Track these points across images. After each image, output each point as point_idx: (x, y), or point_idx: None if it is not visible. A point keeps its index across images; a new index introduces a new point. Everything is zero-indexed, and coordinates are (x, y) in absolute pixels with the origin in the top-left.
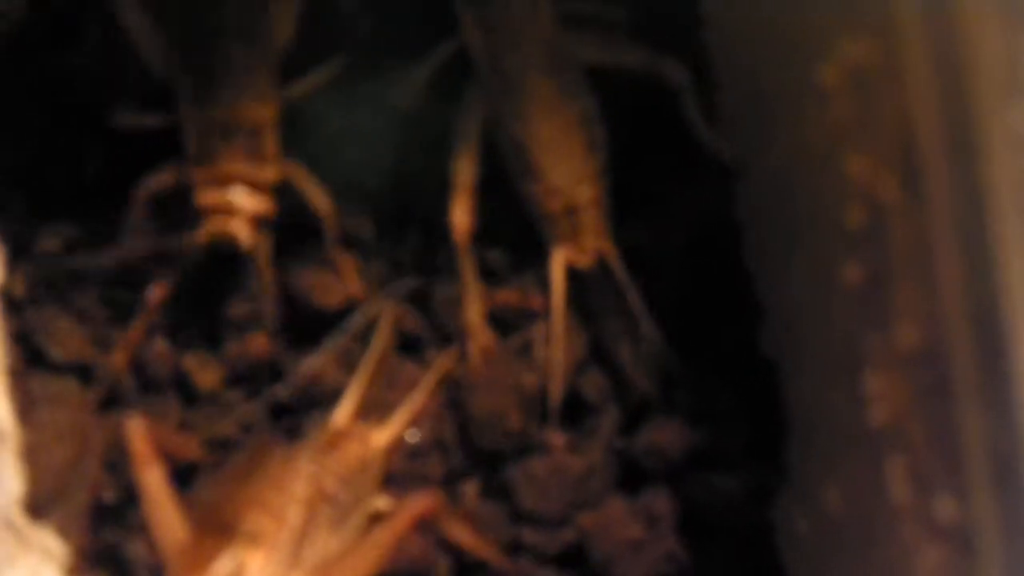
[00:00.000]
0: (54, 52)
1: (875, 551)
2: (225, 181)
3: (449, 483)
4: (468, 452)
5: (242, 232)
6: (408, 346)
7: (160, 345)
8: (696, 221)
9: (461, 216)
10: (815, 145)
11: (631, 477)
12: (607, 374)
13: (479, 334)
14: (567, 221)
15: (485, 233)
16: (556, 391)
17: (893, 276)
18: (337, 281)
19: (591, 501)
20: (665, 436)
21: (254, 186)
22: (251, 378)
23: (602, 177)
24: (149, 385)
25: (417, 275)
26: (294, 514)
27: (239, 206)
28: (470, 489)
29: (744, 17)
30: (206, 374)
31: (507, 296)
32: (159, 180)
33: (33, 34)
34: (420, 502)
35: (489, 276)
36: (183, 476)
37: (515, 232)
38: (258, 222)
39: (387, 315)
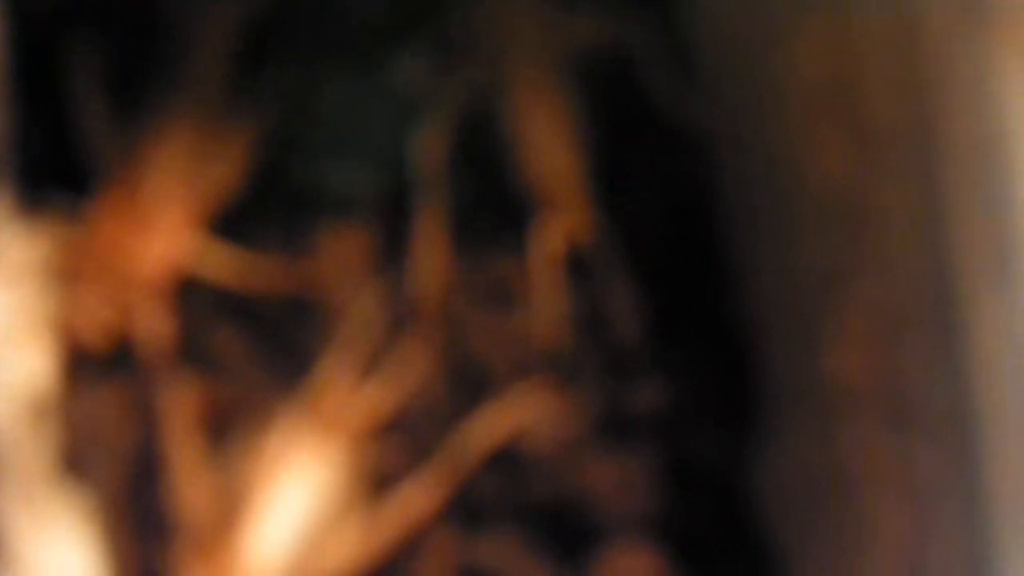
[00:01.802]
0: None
1: (843, 499)
2: None
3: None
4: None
5: None
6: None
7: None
8: (674, 192)
9: (432, 143)
10: (782, 120)
11: (614, 429)
12: (593, 333)
13: (437, 241)
14: (550, 190)
15: (471, 199)
16: (545, 347)
17: (858, 244)
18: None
19: (577, 451)
20: (647, 392)
21: None
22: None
23: (581, 147)
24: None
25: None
26: (304, 490)
27: None
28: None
29: None
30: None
31: (493, 267)
32: None
33: None
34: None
35: (474, 242)
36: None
37: (502, 199)
38: None
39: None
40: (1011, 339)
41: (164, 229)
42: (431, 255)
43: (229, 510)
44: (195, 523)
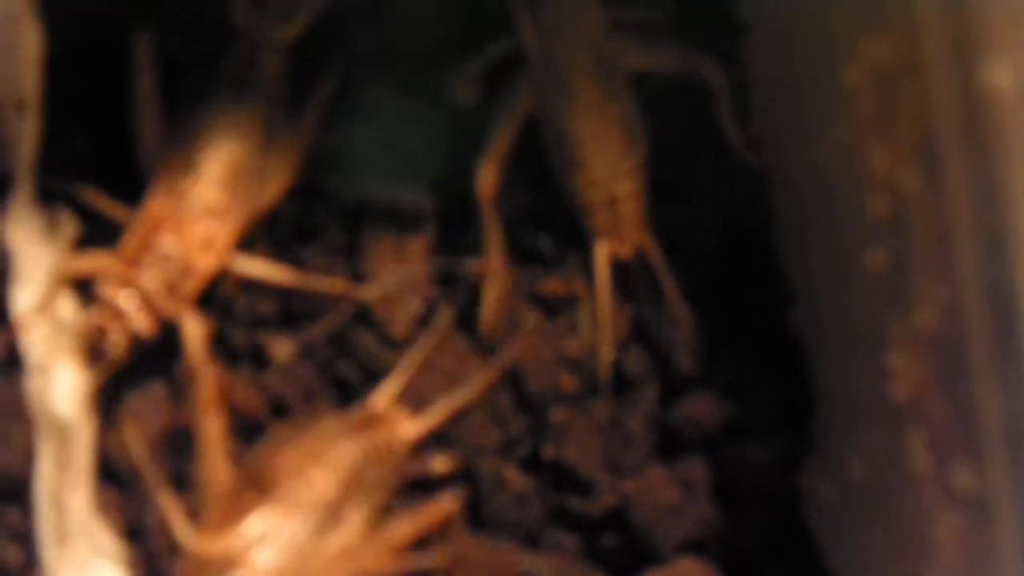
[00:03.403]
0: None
1: (896, 516)
2: None
3: (503, 451)
4: (521, 422)
5: None
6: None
7: (241, 322)
8: (730, 212)
9: (488, 175)
10: (841, 140)
11: (669, 446)
12: (648, 352)
13: (498, 278)
14: (607, 212)
15: (533, 222)
16: (603, 366)
17: (914, 262)
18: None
19: (632, 468)
20: (701, 409)
21: None
22: (318, 353)
23: (641, 171)
24: (229, 353)
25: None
26: (325, 485)
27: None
28: (519, 455)
29: (776, 22)
30: (279, 347)
31: (553, 285)
32: None
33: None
34: (444, 504)
35: (535, 261)
36: (246, 434)
37: (560, 222)
38: None
39: (444, 312)
40: None
41: (214, 236)
42: (490, 270)
43: (254, 492)
44: (219, 500)
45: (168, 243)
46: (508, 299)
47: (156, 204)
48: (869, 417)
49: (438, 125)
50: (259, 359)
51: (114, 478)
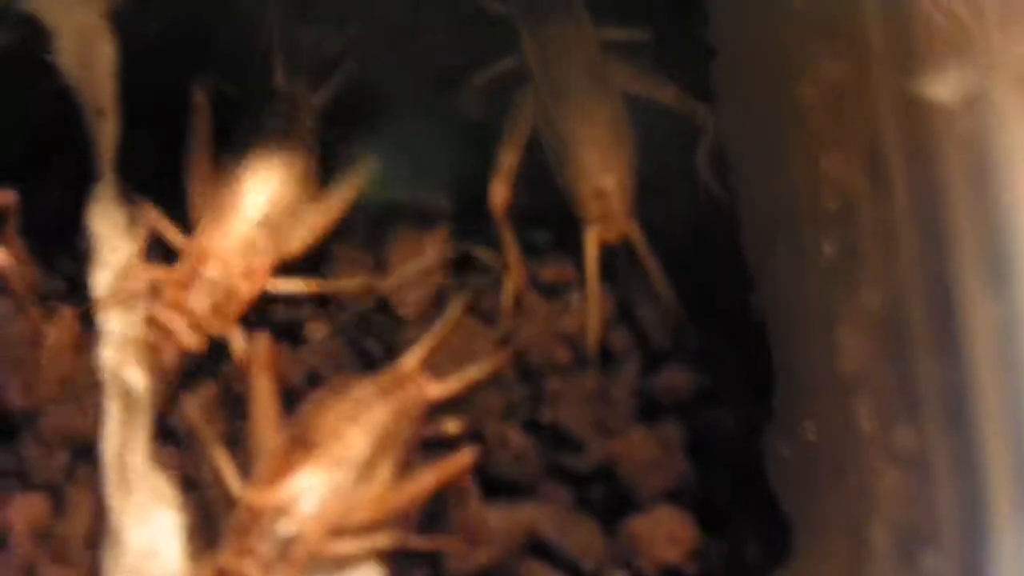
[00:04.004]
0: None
1: (845, 473)
2: None
3: (506, 415)
4: (522, 390)
5: None
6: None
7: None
8: (702, 207)
9: (500, 192)
10: (797, 146)
11: (649, 411)
12: (631, 329)
13: (516, 276)
14: (596, 204)
15: (531, 216)
16: (592, 342)
17: (861, 251)
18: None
19: (617, 430)
20: (677, 379)
21: None
22: (347, 331)
23: (628, 169)
24: (271, 332)
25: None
26: (360, 444)
27: None
28: (520, 418)
29: (738, 45)
30: (314, 327)
31: (550, 271)
32: None
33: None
34: (462, 458)
35: (534, 251)
36: (286, 400)
37: (556, 215)
38: None
39: (459, 296)
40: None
41: (254, 266)
42: (510, 270)
43: (299, 450)
44: (268, 458)
45: (215, 271)
46: (525, 292)
47: (205, 238)
48: (821, 386)
49: (454, 136)
50: (296, 337)
51: (172, 437)
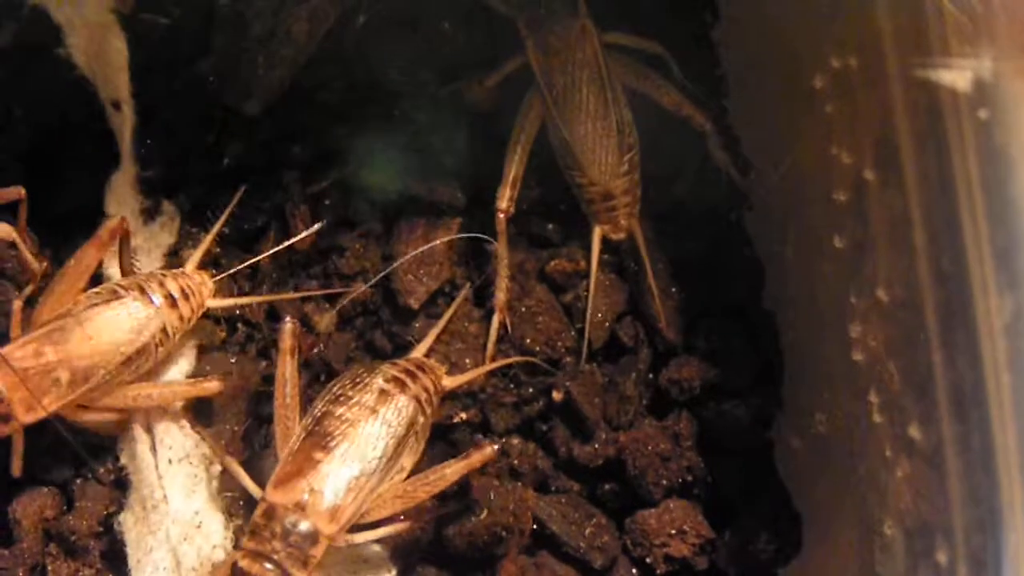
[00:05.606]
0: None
1: (856, 466)
2: None
3: (517, 407)
4: (532, 383)
5: None
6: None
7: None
8: (711, 200)
9: (505, 203)
10: (809, 138)
11: (659, 404)
12: (640, 323)
13: (503, 290)
14: (603, 205)
15: (541, 208)
16: (595, 333)
17: (873, 243)
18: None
19: (628, 423)
20: (687, 372)
21: None
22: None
23: (633, 171)
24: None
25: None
26: (379, 437)
27: None
28: (528, 411)
29: (750, 37)
30: (323, 319)
31: (559, 265)
32: None
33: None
34: (482, 452)
35: (543, 244)
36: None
37: (566, 210)
38: None
39: (464, 289)
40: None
41: None
42: (508, 254)
43: (319, 446)
44: (289, 455)
45: None
46: (530, 287)
47: None
48: (832, 378)
49: (465, 132)
50: (306, 328)
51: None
